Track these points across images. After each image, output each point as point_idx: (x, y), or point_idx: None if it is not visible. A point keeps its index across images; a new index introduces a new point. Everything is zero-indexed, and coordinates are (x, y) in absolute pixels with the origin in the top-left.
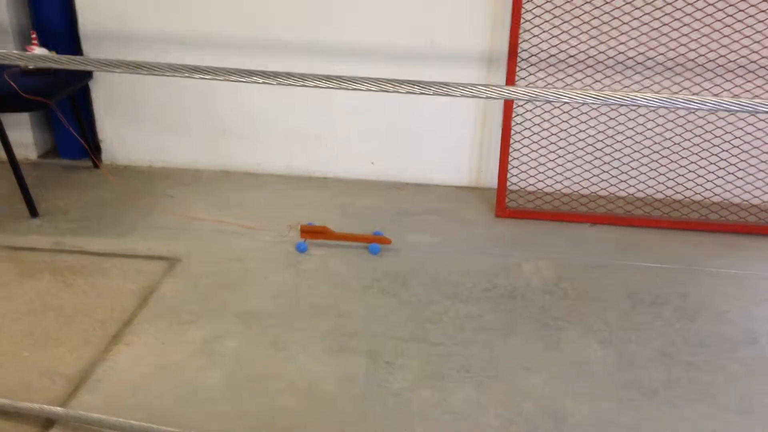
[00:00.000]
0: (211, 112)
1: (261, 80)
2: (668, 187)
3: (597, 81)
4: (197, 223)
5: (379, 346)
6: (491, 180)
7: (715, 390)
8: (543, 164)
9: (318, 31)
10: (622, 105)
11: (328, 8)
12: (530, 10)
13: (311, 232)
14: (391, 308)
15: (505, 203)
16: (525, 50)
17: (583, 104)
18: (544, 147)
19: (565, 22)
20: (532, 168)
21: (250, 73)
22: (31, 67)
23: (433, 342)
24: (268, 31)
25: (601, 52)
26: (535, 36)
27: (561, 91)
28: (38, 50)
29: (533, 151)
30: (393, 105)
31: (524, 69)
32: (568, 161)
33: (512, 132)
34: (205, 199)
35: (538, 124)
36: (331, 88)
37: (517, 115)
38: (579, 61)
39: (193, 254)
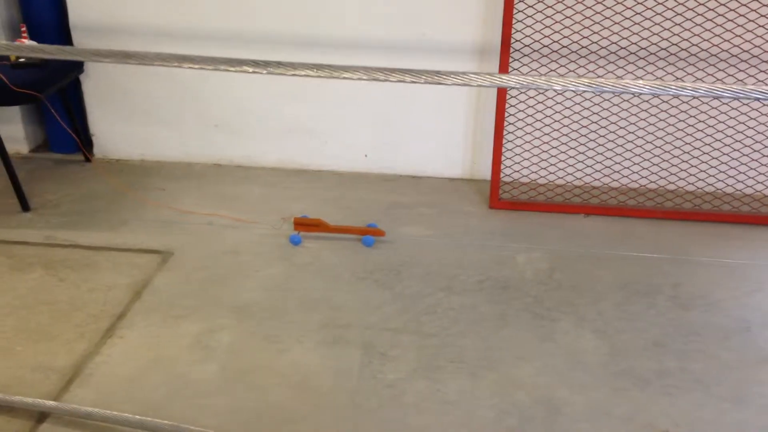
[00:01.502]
0: (203, 106)
1: (251, 69)
2: (661, 178)
3: (590, 72)
4: (190, 217)
5: (373, 338)
6: (485, 171)
7: (708, 379)
8: (536, 155)
9: (308, 24)
10: (614, 93)
11: (320, 3)
12: (523, 1)
13: (305, 224)
14: (384, 300)
15: (499, 195)
16: (518, 41)
17: (576, 94)
18: (538, 138)
19: (557, 12)
20: (525, 159)
21: (240, 62)
22: (21, 59)
23: (427, 333)
24: (258, 24)
25: (594, 43)
26: (527, 27)
27: (553, 79)
28: (28, 43)
29: (526, 142)
30: (386, 97)
31: (517, 60)
32: (562, 152)
33: (505, 123)
34: (197, 193)
35: (531, 116)
36: (322, 77)
37: (510, 106)
38: (572, 52)
39: (186, 248)
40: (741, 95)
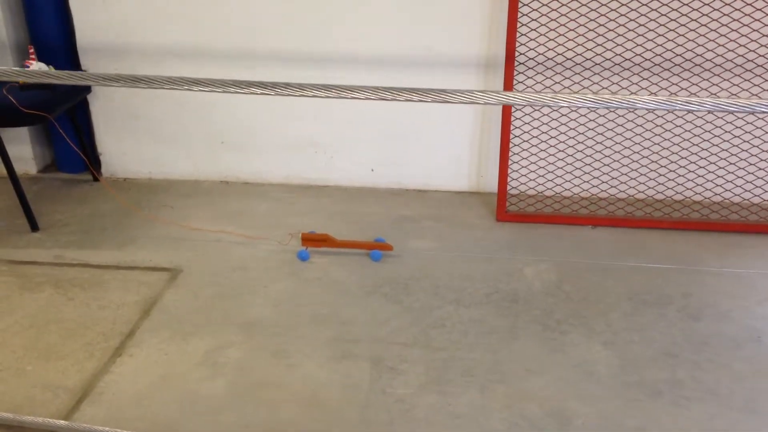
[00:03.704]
0: (209, 123)
1: (259, 91)
2: (668, 188)
3: (595, 83)
4: (198, 234)
5: (382, 352)
6: (491, 184)
7: (720, 389)
8: (543, 167)
9: (315, 41)
10: (620, 108)
11: (325, 18)
12: (526, 14)
13: (312, 240)
14: (393, 314)
15: (506, 207)
16: (522, 54)
17: (581, 107)
18: (544, 150)
19: (561, 25)
20: (531, 171)
21: (249, 84)
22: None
23: (436, 347)
24: (264, 43)
25: (598, 54)
26: (531, 40)
27: (559, 95)
28: (36, 65)
29: (533, 154)
30: (391, 112)
31: (522, 73)
32: (568, 164)
33: (511, 136)
34: (205, 210)
35: (537, 128)
36: (330, 97)
37: (516, 119)
38: (576, 64)
39: (195, 265)
40: (747, 109)
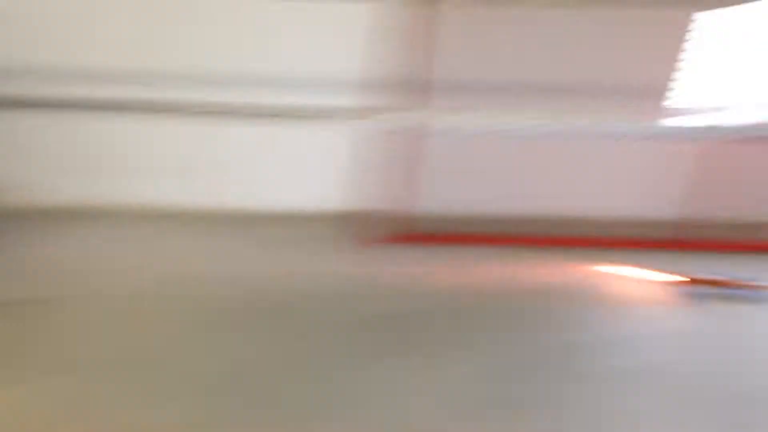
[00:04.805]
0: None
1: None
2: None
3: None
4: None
5: None
6: (372, 203)
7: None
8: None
9: (200, 60)
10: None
11: (210, 36)
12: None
13: None
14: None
15: (373, 231)
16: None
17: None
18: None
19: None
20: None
21: None
22: None
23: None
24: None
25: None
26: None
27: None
28: None
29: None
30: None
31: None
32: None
33: (381, 159)
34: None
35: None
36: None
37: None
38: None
39: None
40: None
